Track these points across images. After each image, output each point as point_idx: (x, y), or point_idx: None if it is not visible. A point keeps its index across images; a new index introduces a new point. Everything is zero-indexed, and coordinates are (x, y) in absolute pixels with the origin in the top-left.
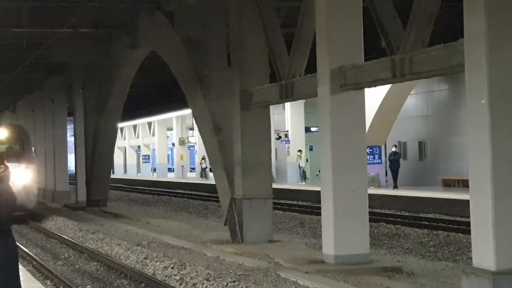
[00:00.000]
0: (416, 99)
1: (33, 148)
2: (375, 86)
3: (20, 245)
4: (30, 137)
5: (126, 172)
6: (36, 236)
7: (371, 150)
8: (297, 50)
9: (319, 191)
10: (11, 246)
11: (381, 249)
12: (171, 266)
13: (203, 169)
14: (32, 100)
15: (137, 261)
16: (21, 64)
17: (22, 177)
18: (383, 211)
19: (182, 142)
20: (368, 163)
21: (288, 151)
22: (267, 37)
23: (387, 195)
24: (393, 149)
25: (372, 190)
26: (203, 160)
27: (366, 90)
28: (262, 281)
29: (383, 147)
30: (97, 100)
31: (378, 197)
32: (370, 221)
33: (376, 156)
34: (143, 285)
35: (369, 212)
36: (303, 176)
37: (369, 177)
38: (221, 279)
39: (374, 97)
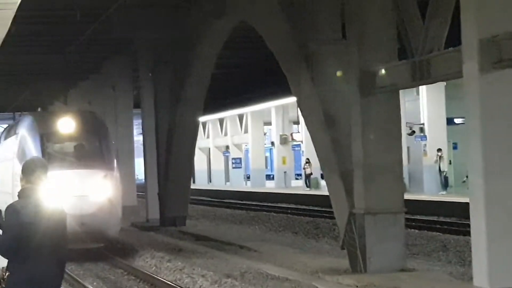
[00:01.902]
0: None
1: (114, 147)
2: None
3: (76, 277)
4: (109, 131)
5: (210, 181)
6: (96, 264)
7: None
8: (435, 15)
9: (467, 203)
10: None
11: None
12: None
13: (308, 176)
14: (87, 88)
15: None
16: (74, 43)
17: (101, 190)
18: None
19: (284, 140)
20: None
21: (424, 150)
22: None
23: None
24: None
25: None
26: (307, 165)
27: None
28: None
29: None
30: (171, 86)
31: None
32: None
33: None
34: None
35: None
36: (445, 184)
37: None
38: None
39: None
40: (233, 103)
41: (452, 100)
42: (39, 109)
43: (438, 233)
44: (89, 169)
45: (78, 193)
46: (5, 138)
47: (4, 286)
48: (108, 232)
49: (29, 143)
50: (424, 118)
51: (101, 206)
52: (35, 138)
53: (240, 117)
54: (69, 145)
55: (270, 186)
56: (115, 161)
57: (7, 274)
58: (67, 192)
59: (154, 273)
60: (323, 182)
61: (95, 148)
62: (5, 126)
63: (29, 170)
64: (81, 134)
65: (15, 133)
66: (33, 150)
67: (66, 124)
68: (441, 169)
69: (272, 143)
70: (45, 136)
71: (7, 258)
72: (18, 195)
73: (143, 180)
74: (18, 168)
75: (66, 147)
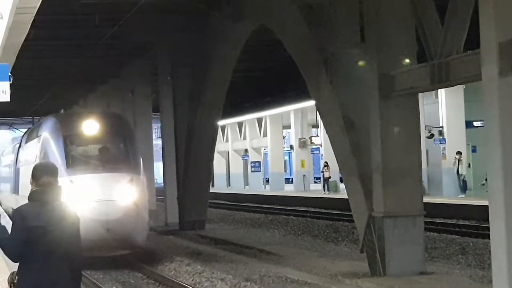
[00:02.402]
0: None
1: (139, 150)
2: None
3: (95, 281)
4: (135, 133)
5: (229, 185)
6: (115, 268)
7: None
8: (454, 17)
9: (486, 206)
10: None
11: None
12: None
13: (326, 179)
14: (106, 92)
15: None
16: (92, 46)
17: (127, 195)
18: None
19: (303, 143)
20: None
21: (443, 153)
22: (413, 1)
23: None
24: None
25: None
26: (325, 168)
27: None
28: None
29: None
30: (190, 90)
31: None
32: None
33: None
34: None
35: None
36: (463, 187)
37: None
38: None
39: None
40: (252, 106)
41: (471, 103)
42: (62, 111)
43: (457, 236)
44: (115, 172)
45: (104, 198)
46: (27, 141)
47: None
48: (135, 239)
49: (52, 145)
50: (443, 121)
51: (128, 211)
52: (58, 140)
53: (259, 120)
54: (93, 147)
55: (289, 190)
56: (141, 164)
57: (17, 278)
58: (92, 197)
59: (173, 277)
60: (342, 186)
61: (120, 151)
62: (25, 130)
63: (37, 173)
64: (106, 136)
65: (37, 136)
66: (56, 153)
67: (91, 126)
68: (460, 172)
69: (291, 147)
70: (68, 138)
71: (15, 261)
72: (28, 198)
73: (162, 184)
74: None
75: (90, 150)
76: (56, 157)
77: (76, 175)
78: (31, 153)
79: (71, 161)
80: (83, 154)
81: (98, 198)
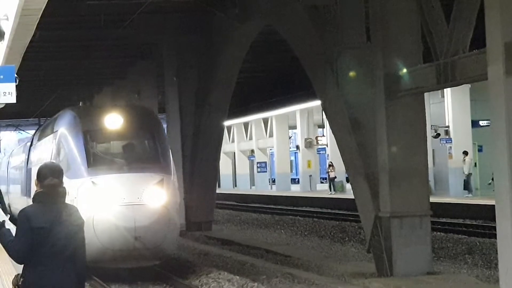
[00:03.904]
0: None
1: (169, 146)
2: None
3: (97, 280)
4: (163, 128)
5: (236, 186)
6: (119, 267)
7: None
8: (460, 17)
9: (492, 206)
10: None
11: None
12: None
13: (332, 180)
14: (112, 93)
15: None
16: (98, 47)
17: (157, 198)
18: None
19: (309, 144)
20: None
21: (449, 152)
22: (419, 0)
23: None
24: None
25: None
26: (330, 168)
27: None
28: None
29: None
30: (196, 91)
31: None
32: None
33: None
34: None
35: None
36: (468, 186)
37: None
38: None
39: None
40: (258, 107)
41: (477, 102)
42: (80, 103)
43: (464, 236)
44: (143, 172)
45: (131, 201)
46: (40, 138)
47: None
48: (166, 247)
49: (70, 142)
50: (449, 120)
51: (159, 216)
52: (78, 136)
53: (265, 121)
54: (118, 144)
55: (295, 190)
56: (172, 162)
57: (21, 280)
58: (117, 200)
59: (180, 277)
60: (348, 186)
61: (149, 148)
62: (31, 131)
63: (42, 175)
64: (133, 131)
65: (52, 132)
66: (75, 151)
67: (114, 120)
68: (464, 172)
69: (297, 147)
70: (89, 134)
71: (20, 263)
72: (32, 200)
73: None
74: None
75: (114, 147)
76: (75, 155)
77: (99, 175)
78: (45, 152)
79: (93, 160)
80: (106, 152)
81: (124, 201)
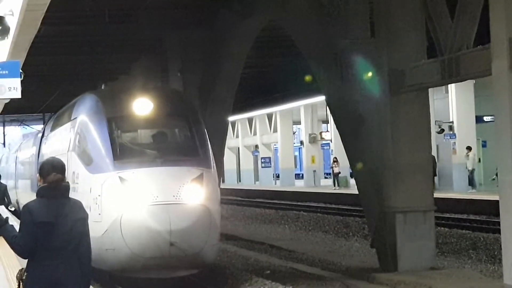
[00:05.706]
0: None
1: (207, 136)
2: None
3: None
4: (200, 114)
5: (240, 181)
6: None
7: None
8: (464, 12)
9: (496, 201)
10: None
11: None
12: None
13: (336, 175)
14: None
15: None
16: (102, 43)
17: (196, 196)
18: None
19: (313, 139)
20: None
21: (454, 148)
22: None
23: None
24: None
25: None
26: (335, 163)
27: None
28: None
29: None
30: (200, 86)
31: None
32: None
33: None
34: None
35: None
36: (472, 182)
37: None
38: None
39: None
40: (262, 102)
41: (481, 98)
42: (103, 86)
43: (468, 231)
44: (179, 166)
45: (165, 200)
46: (53, 128)
47: (23, 286)
48: (206, 254)
49: (92, 131)
50: (453, 116)
51: (198, 218)
52: (101, 124)
53: (269, 116)
54: (148, 133)
55: (299, 185)
56: (211, 154)
57: (25, 274)
58: (149, 198)
59: None
60: (352, 181)
61: (185, 137)
62: (36, 126)
63: (45, 171)
64: (165, 118)
65: (69, 119)
66: (98, 141)
67: (143, 105)
68: (468, 167)
69: (301, 142)
70: (114, 121)
71: (24, 258)
72: (36, 195)
73: None
74: (77, 165)
75: (144, 136)
76: (99, 146)
77: (127, 169)
78: (61, 142)
79: (120, 151)
80: (134, 142)
81: (157, 200)
